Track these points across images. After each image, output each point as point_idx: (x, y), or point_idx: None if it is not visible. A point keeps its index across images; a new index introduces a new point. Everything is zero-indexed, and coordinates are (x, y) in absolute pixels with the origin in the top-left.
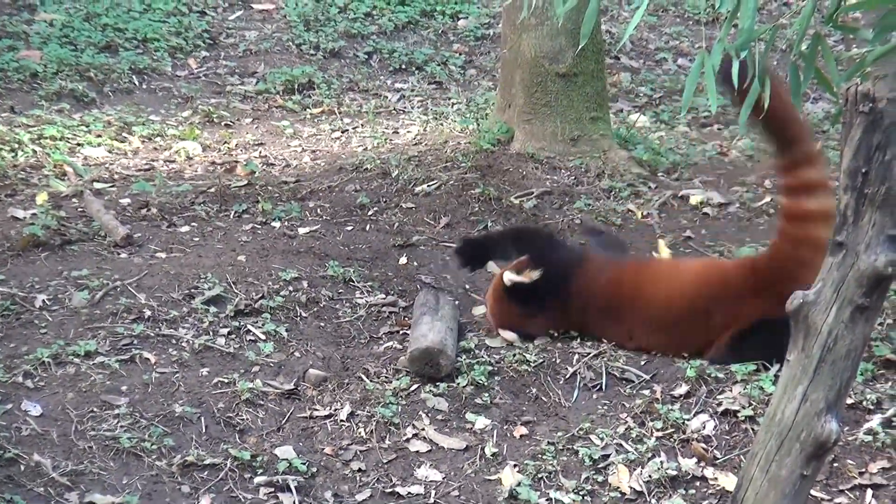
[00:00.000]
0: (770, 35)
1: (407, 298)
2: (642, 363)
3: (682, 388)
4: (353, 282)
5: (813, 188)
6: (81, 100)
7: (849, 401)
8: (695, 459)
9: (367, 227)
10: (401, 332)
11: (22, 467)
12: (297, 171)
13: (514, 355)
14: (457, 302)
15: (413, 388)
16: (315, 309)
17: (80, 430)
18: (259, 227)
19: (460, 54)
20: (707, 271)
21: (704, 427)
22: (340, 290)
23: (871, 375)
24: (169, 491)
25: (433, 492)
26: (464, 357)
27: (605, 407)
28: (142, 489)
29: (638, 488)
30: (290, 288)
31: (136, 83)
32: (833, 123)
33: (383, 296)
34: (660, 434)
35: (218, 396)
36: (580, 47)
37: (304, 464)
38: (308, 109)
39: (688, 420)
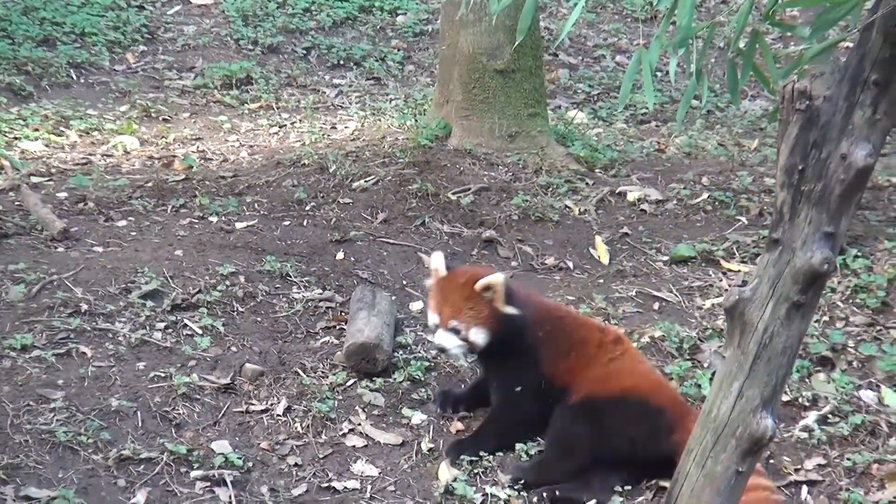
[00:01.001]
0: (708, 32)
1: (344, 294)
2: None
3: None
4: (291, 277)
5: None
6: (19, 93)
7: (785, 397)
8: None
9: (305, 223)
10: (337, 327)
11: None
12: (234, 166)
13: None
14: (394, 298)
15: (350, 383)
16: (252, 304)
17: (15, 424)
18: (196, 221)
19: (398, 50)
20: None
21: None
22: (277, 285)
23: (806, 372)
24: (105, 485)
25: (369, 487)
26: (400, 352)
27: None
28: (77, 483)
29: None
30: (227, 282)
31: (74, 77)
32: (770, 120)
33: (320, 291)
34: None
35: (154, 390)
36: (517, 44)
37: (241, 458)
38: (246, 104)
39: None
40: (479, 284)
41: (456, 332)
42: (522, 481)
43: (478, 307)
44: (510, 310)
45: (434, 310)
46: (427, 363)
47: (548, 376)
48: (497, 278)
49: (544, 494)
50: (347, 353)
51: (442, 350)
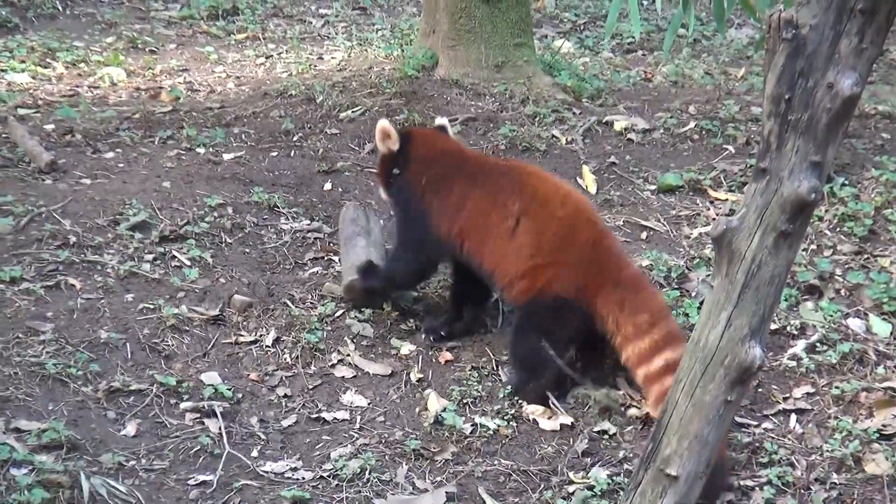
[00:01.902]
0: None
1: (332, 224)
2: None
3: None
4: (278, 208)
5: None
6: (4, 26)
7: (773, 326)
8: (624, 390)
9: (292, 153)
10: (326, 258)
11: None
12: (221, 98)
13: (439, 281)
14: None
15: (338, 313)
16: (240, 235)
17: (4, 357)
18: (184, 153)
19: None
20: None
21: None
22: (265, 217)
23: (794, 301)
24: (95, 417)
25: (359, 417)
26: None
27: None
28: (68, 415)
29: (562, 414)
30: (215, 214)
31: (60, 9)
32: (756, 49)
33: (308, 222)
34: (585, 361)
35: (143, 322)
36: None
37: (230, 389)
38: (232, 35)
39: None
40: (377, 133)
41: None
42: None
43: (383, 160)
44: (386, 147)
45: None
46: (415, 293)
47: (437, 233)
48: (383, 123)
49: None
50: (348, 287)
51: None
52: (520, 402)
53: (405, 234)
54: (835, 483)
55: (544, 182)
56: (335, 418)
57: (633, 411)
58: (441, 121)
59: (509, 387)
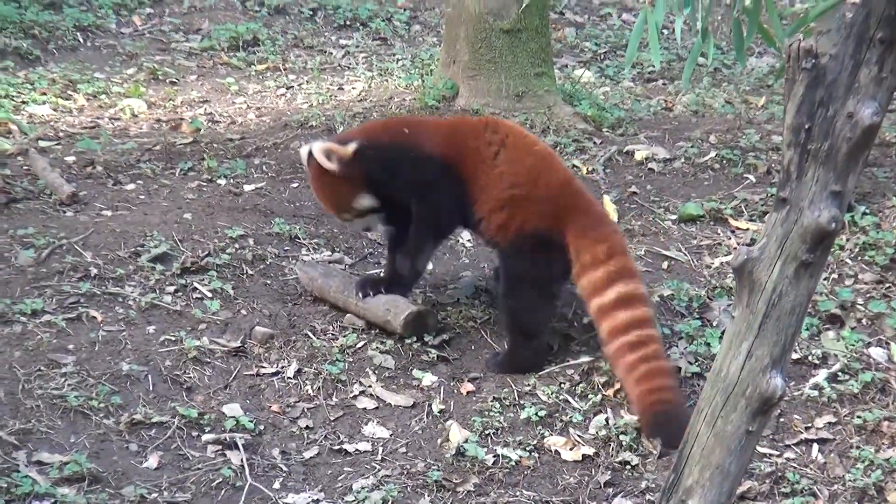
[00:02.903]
0: None
1: (353, 255)
2: (585, 321)
3: None
4: (299, 239)
5: None
6: (26, 57)
7: (794, 356)
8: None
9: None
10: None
11: None
12: (242, 128)
13: (461, 312)
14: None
15: (360, 345)
16: (261, 266)
17: (27, 389)
18: (205, 184)
19: (405, 10)
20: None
21: None
22: (286, 248)
23: (816, 330)
24: (117, 449)
25: (380, 449)
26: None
27: (551, 363)
28: (90, 447)
29: (584, 444)
30: (236, 245)
31: (81, 40)
32: (777, 78)
33: (329, 253)
34: (606, 391)
35: (165, 354)
36: (525, 3)
37: (252, 421)
38: (253, 66)
39: None
40: (324, 164)
41: (350, 214)
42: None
43: (338, 181)
44: (351, 147)
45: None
46: (439, 324)
47: (446, 160)
48: (318, 146)
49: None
50: (405, 322)
51: (366, 230)
52: (541, 433)
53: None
54: None
55: (518, 126)
56: (357, 450)
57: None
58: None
59: (495, 367)
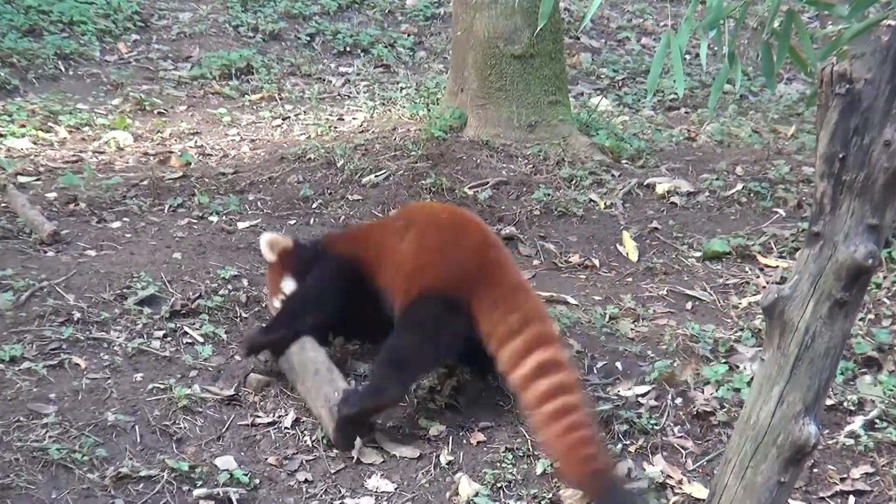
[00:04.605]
0: (741, 12)
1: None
2: (600, 364)
3: (646, 390)
4: None
5: None
6: (3, 87)
7: (828, 402)
8: (662, 467)
9: (312, 221)
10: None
11: None
12: (235, 162)
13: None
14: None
15: None
16: (256, 309)
17: (5, 441)
18: (195, 221)
19: (409, 35)
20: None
21: (674, 432)
22: None
23: (851, 375)
24: None
25: (385, 503)
26: None
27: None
28: (72, 503)
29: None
30: (230, 287)
31: (63, 69)
32: (808, 105)
33: None
34: (626, 440)
35: (153, 403)
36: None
37: (247, 475)
38: (247, 96)
39: (656, 425)
40: (265, 253)
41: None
42: (356, 410)
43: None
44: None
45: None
46: (444, 369)
47: (350, 257)
48: (264, 236)
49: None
50: (339, 430)
51: None
52: (557, 485)
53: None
54: None
55: (432, 205)
56: None
57: (676, 498)
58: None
59: (345, 407)
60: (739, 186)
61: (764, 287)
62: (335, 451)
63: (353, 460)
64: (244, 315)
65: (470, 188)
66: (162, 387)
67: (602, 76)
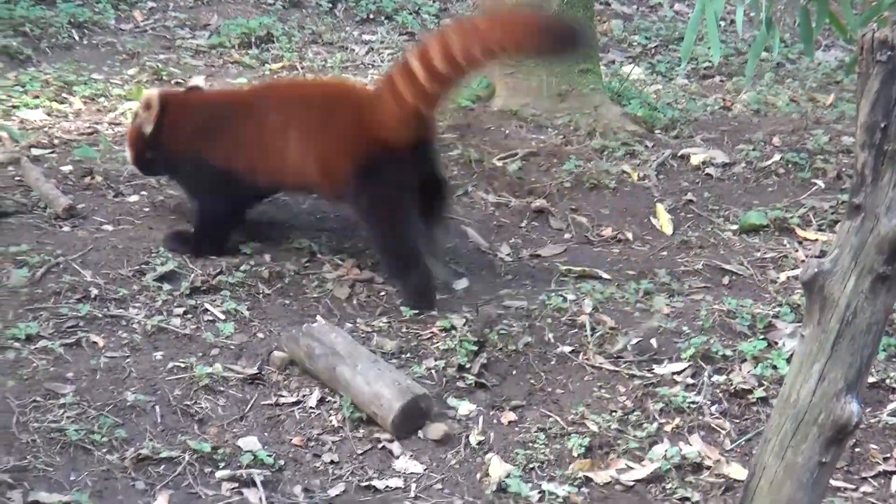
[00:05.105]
0: None
1: (381, 272)
2: (635, 341)
3: (683, 367)
4: (321, 254)
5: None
6: (16, 57)
7: (870, 379)
8: (699, 447)
9: None
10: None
11: None
12: None
13: (500, 334)
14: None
15: None
16: (279, 285)
17: (22, 422)
18: None
19: (434, 1)
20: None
21: (711, 411)
22: (307, 264)
23: (894, 351)
24: (122, 487)
25: (413, 485)
26: (444, 337)
27: (601, 389)
28: (92, 486)
29: (639, 479)
30: (251, 262)
31: (77, 38)
32: (848, 73)
33: (358, 270)
34: (662, 419)
35: (174, 383)
36: None
37: (271, 456)
38: (267, 65)
39: (692, 403)
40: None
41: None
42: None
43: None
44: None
45: None
46: (473, 347)
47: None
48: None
49: None
50: (394, 423)
51: None
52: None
53: (196, 186)
54: None
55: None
56: (387, 486)
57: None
58: (196, 80)
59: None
60: (777, 157)
61: (803, 261)
62: (361, 430)
63: (380, 441)
64: (267, 291)
65: (499, 159)
66: (182, 365)
67: (634, 44)
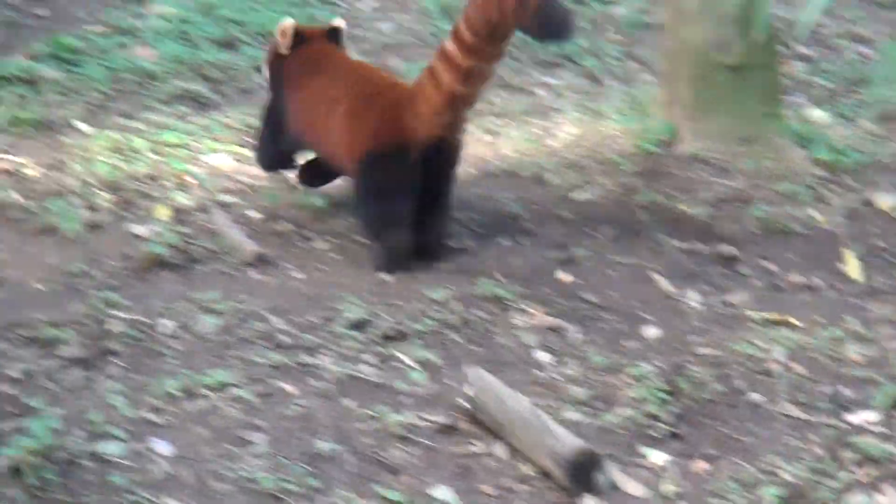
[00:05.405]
0: None
1: (571, 321)
2: (826, 390)
3: (877, 416)
4: (508, 301)
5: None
6: (201, 102)
7: None
8: (894, 498)
9: (521, 240)
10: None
11: None
12: None
13: (691, 381)
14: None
15: None
16: (468, 332)
17: (214, 471)
18: None
19: (617, 45)
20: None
21: None
22: (494, 311)
23: None
24: None
25: None
26: (635, 385)
27: (793, 438)
28: None
29: None
30: (439, 309)
31: (257, 83)
32: None
33: (552, 319)
34: (854, 469)
35: (364, 431)
36: (755, 38)
37: None
38: None
39: (887, 453)
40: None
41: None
42: None
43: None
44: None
45: None
46: (664, 395)
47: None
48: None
49: None
50: (573, 466)
51: None
52: None
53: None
54: None
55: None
56: None
57: None
58: (338, 21)
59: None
60: None
61: None
62: (555, 482)
63: (575, 492)
64: (456, 339)
65: (685, 204)
66: (373, 414)
67: (816, 86)
